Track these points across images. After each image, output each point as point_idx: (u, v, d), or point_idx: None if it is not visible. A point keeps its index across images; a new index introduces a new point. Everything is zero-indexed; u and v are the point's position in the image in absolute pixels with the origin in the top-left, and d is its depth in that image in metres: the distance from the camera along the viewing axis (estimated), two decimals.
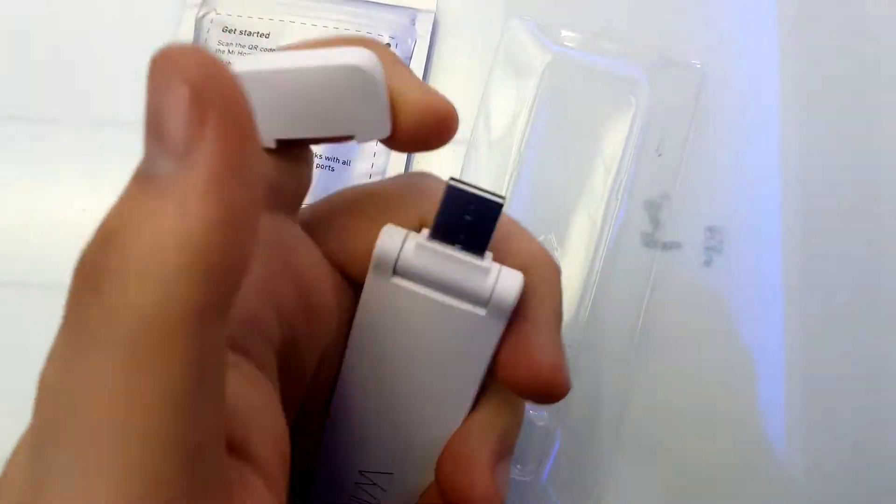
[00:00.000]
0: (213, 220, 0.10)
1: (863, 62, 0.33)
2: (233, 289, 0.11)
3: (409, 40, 0.32)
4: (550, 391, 0.17)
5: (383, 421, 0.19)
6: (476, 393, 0.18)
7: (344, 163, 0.31)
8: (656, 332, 0.30)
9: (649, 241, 0.30)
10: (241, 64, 0.16)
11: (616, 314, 0.30)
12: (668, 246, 0.31)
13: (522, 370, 0.17)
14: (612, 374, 0.30)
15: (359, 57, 0.15)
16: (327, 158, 0.31)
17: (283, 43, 0.32)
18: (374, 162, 0.31)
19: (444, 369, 0.18)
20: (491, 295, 0.17)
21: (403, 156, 0.32)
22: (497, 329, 0.17)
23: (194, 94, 0.10)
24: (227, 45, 0.32)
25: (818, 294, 0.30)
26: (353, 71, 0.15)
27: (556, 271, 0.18)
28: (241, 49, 0.32)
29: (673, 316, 0.30)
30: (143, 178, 0.11)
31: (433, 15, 0.33)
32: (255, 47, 0.32)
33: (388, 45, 0.32)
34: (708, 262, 0.31)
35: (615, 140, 0.31)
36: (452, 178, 0.17)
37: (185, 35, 0.33)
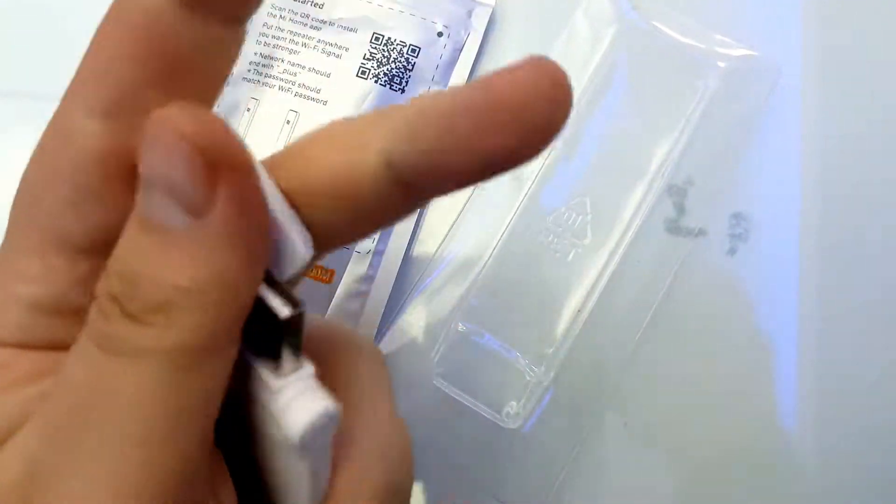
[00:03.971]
0: (224, 269, 0.12)
1: (888, 51, 0.32)
2: (242, 320, 0.13)
3: (463, 32, 0.32)
4: None
5: None
6: None
7: None
8: (673, 320, 0.30)
9: (672, 228, 0.30)
10: None
11: (632, 295, 0.30)
12: (692, 232, 0.30)
13: None
14: (617, 350, 0.29)
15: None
16: None
17: (336, 15, 0.32)
18: None
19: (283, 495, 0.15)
20: (280, 424, 0.13)
21: None
22: (301, 466, 0.14)
23: (204, 155, 0.12)
24: (280, 9, 0.32)
25: (836, 284, 0.30)
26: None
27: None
28: (292, 16, 0.32)
29: (692, 304, 0.30)
30: (154, 229, 0.12)
31: (491, 9, 0.32)
32: (307, 16, 0.32)
33: (441, 34, 0.32)
34: (732, 251, 0.30)
35: (673, 122, 0.31)
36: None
37: None
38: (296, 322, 0.13)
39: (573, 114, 0.34)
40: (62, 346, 0.14)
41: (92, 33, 0.15)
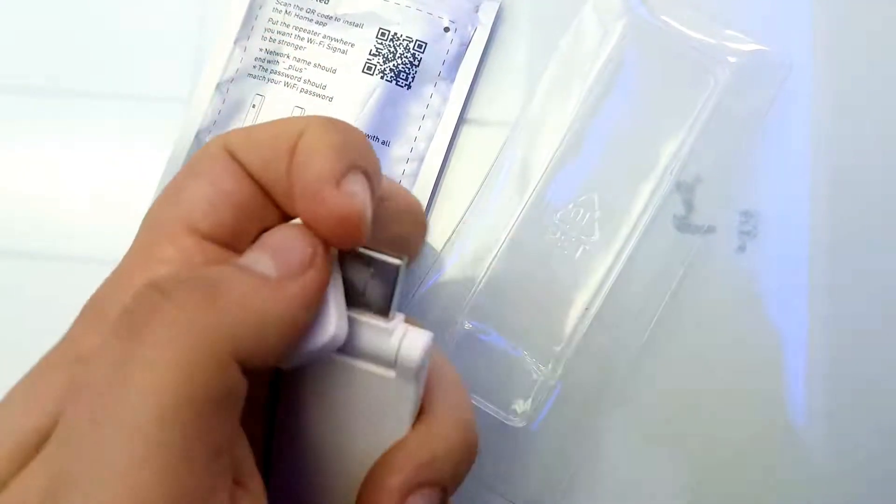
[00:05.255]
0: (301, 315, 0.16)
1: None
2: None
3: (470, 27, 0.31)
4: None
5: (319, 483, 0.18)
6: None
7: (383, 142, 0.30)
8: (682, 317, 0.29)
9: (681, 225, 0.30)
10: None
11: (640, 292, 0.29)
12: (700, 230, 0.30)
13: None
14: (626, 348, 0.29)
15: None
16: (368, 136, 0.30)
17: (341, 10, 0.31)
18: (413, 146, 0.31)
19: (367, 433, 0.18)
20: (396, 356, 0.17)
21: (444, 142, 0.31)
22: (410, 390, 0.17)
23: (316, 238, 0.16)
24: (285, 4, 0.32)
25: (845, 281, 0.30)
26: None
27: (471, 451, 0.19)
28: (297, 11, 0.31)
29: (701, 302, 0.30)
30: (245, 270, 0.15)
31: (499, 4, 0.32)
32: (313, 11, 0.31)
33: (447, 29, 0.31)
34: (741, 248, 0.30)
35: (682, 117, 0.30)
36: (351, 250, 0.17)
37: None
38: (400, 271, 0.17)
39: (582, 109, 0.34)
40: None
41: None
